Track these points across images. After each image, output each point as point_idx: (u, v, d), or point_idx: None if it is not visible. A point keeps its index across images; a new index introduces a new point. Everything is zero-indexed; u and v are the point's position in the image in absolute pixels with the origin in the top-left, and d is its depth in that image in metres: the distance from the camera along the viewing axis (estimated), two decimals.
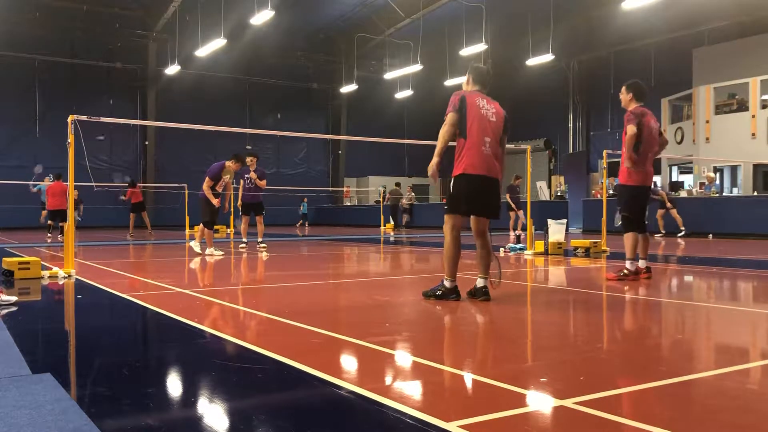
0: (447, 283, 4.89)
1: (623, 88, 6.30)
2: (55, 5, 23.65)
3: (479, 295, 4.87)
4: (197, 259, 9.24)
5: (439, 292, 4.92)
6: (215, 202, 10.01)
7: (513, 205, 16.33)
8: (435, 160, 4.81)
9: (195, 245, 10.26)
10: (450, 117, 4.83)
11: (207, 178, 10.04)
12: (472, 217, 4.92)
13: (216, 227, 20.29)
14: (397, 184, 24.49)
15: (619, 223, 6.43)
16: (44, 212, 16.54)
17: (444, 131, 4.82)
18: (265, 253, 10.18)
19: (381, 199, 24.58)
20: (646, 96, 6.28)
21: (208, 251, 10.05)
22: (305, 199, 28.48)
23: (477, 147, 4.75)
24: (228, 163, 10.16)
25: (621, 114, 6.46)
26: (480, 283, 4.90)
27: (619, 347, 3.47)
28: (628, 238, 6.19)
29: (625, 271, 6.13)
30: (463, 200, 4.82)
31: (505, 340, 3.60)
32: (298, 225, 27.91)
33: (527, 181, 10.98)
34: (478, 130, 4.76)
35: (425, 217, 24.74)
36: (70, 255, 6.63)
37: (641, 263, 6.24)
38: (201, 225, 10.32)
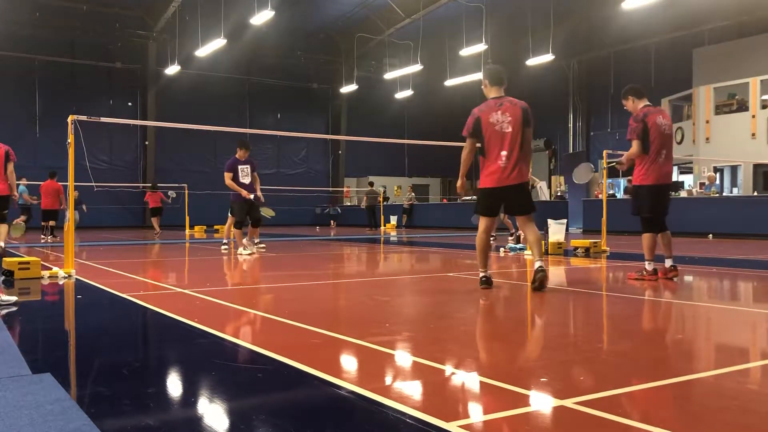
0: (480, 273, 5.53)
1: (622, 99, 6.27)
2: (55, 5, 23.65)
3: (537, 272, 5.24)
4: (222, 258, 9.23)
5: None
6: (244, 193, 9.87)
7: None
8: (459, 182, 5.72)
9: (241, 250, 10.01)
10: (468, 143, 5.45)
11: (225, 173, 9.98)
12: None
13: (217, 227, 20.33)
14: (371, 183, 23.86)
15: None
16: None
17: (464, 156, 5.49)
18: (249, 250, 10.07)
19: (381, 200, 24.52)
20: (645, 93, 6.20)
21: (238, 250, 10.05)
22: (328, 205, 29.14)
23: (493, 164, 5.32)
24: (238, 155, 10.10)
25: (621, 114, 6.49)
26: (536, 265, 5.30)
27: (620, 347, 3.47)
28: (645, 239, 6.13)
29: (644, 272, 6.09)
30: (483, 206, 5.54)
31: (505, 340, 3.60)
32: (332, 225, 28.16)
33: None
34: (494, 148, 5.31)
35: (426, 218, 24.71)
36: (70, 255, 6.63)
37: (667, 263, 6.17)
38: (231, 225, 10.67)
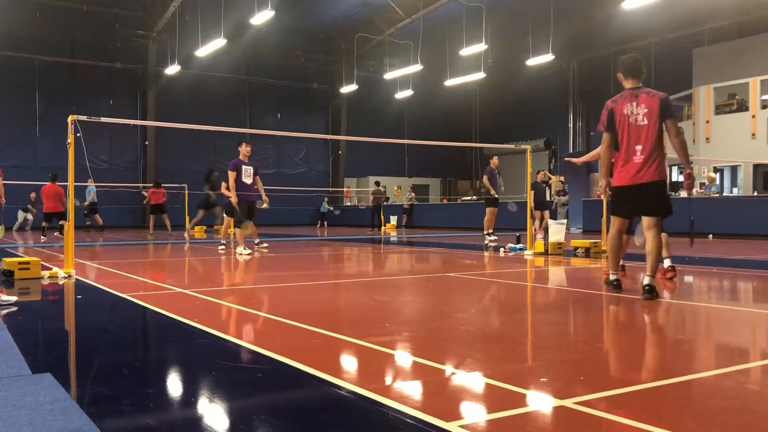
0: (610, 276, 5.32)
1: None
2: (55, 5, 23.64)
3: (643, 292, 4.88)
4: (216, 258, 9.23)
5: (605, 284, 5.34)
6: (233, 199, 10.06)
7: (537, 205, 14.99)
8: (603, 182, 5.28)
9: (240, 250, 10.03)
10: (605, 138, 5.14)
11: (229, 171, 10.22)
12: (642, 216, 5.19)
13: (217, 227, 20.33)
14: (377, 183, 23.85)
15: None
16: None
17: (603, 152, 5.19)
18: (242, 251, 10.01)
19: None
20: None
21: (237, 249, 10.10)
22: (326, 199, 28.89)
23: (627, 160, 5.00)
24: (241, 155, 10.38)
25: None
26: (645, 280, 4.91)
27: (619, 347, 3.47)
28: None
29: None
30: (617, 206, 5.26)
31: (505, 340, 3.60)
32: (318, 225, 28.14)
33: (527, 182, 10.97)
34: (628, 142, 4.98)
35: (425, 218, 24.70)
36: (70, 255, 6.63)
37: (665, 263, 6.18)
38: (227, 226, 10.85)
